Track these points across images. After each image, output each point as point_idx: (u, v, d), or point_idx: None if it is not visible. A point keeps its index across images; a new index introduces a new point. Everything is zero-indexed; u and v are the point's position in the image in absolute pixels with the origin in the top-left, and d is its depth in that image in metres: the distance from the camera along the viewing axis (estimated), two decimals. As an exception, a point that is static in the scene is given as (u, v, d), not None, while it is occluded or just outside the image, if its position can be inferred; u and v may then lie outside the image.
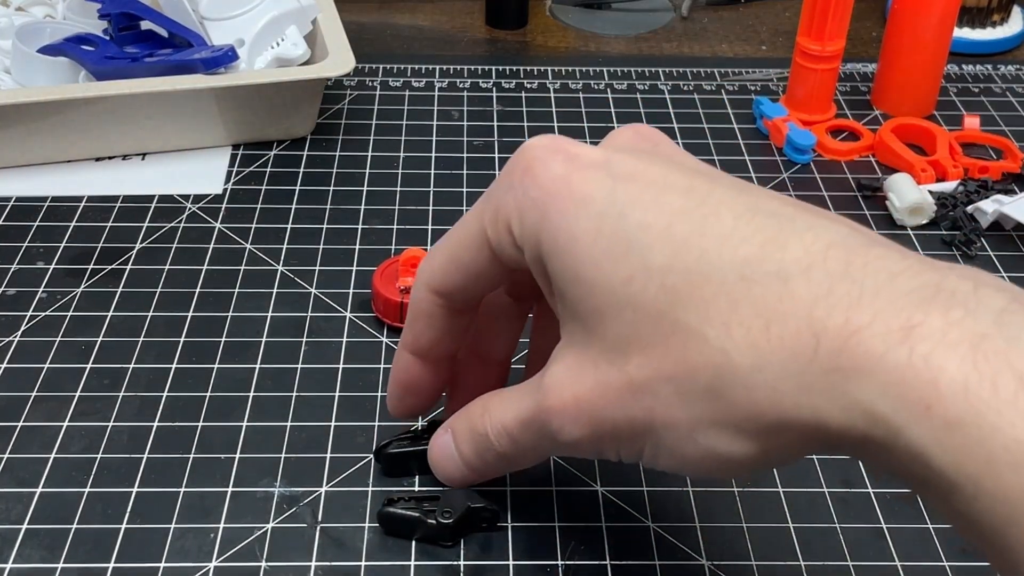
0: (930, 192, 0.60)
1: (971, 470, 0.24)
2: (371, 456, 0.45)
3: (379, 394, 0.48)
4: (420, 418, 0.46)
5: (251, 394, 0.48)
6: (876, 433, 0.26)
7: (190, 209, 0.59)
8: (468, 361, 0.42)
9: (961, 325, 0.25)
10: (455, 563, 0.41)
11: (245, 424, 0.46)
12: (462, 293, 0.37)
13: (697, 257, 0.29)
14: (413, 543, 0.41)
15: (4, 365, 0.49)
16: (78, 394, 0.47)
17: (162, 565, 0.40)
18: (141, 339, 0.50)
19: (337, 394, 0.48)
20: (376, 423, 0.46)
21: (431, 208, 0.60)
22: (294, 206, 0.60)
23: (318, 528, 0.42)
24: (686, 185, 0.31)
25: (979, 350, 0.25)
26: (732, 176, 0.33)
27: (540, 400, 0.33)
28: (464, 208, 0.60)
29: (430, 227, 0.58)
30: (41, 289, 0.53)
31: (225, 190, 0.61)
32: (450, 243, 0.37)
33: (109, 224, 0.58)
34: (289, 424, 0.46)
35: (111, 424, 0.46)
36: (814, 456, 0.45)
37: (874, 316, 0.26)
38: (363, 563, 0.40)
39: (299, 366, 0.49)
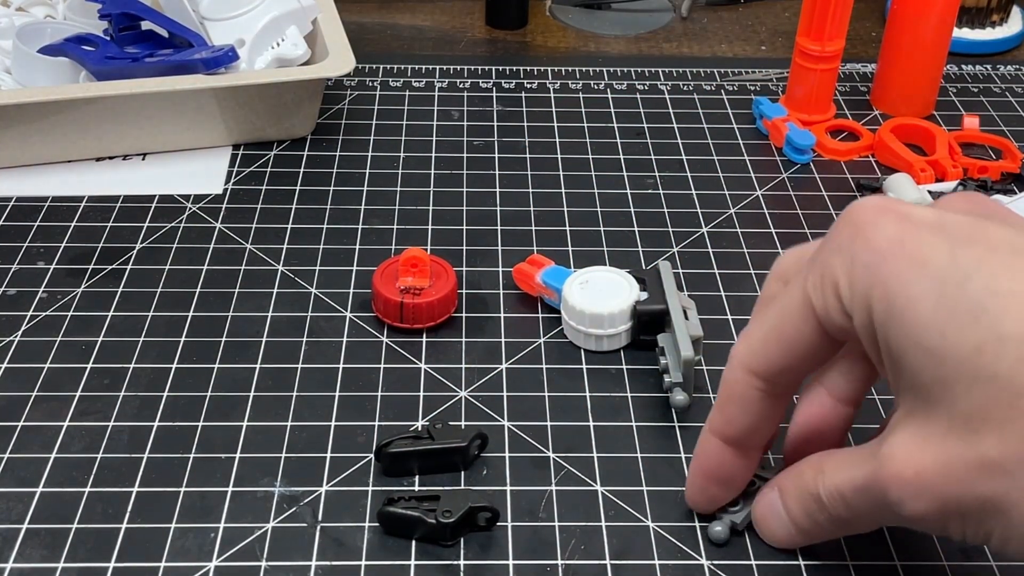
0: (929, 192, 0.60)
1: None
2: (371, 456, 0.45)
3: (379, 394, 0.48)
4: (420, 418, 0.46)
5: (251, 394, 0.48)
6: None
7: (190, 209, 0.59)
8: (815, 393, 0.39)
9: None
10: (455, 563, 0.41)
11: (245, 424, 0.46)
12: (783, 374, 0.35)
13: None
14: (413, 543, 0.41)
15: (4, 365, 0.49)
16: (78, 394, 0.47)
17: (162, 565, 0.40)
18: (141, 339, 0.50)
19: (337, 394, 0.48)
20: (376, 423, 0.46)
21: (431, 208, 0.60)
22: (294, 206, 0.60)
23: (318, 528, 0.42)
24: None
25: None
26: None
27: (878, 469, 0.31)
28: (464, 208, 0.60)
29: (430, 227, 0.58)
30: (41, 289, 0.53)
31: (225, 190, 0.61)
32: (769, 317, 0.34)
33: (109, 224, 0.58)
34: (289, 424, 0.46)
35: (111, 424, 0.46)
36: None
37: None
38: (363, 563, 0.41)
39: (299, 366, 0.49)
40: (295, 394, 0.48)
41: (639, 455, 0.45)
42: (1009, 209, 0.34)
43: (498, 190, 0.61)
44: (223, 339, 0.50)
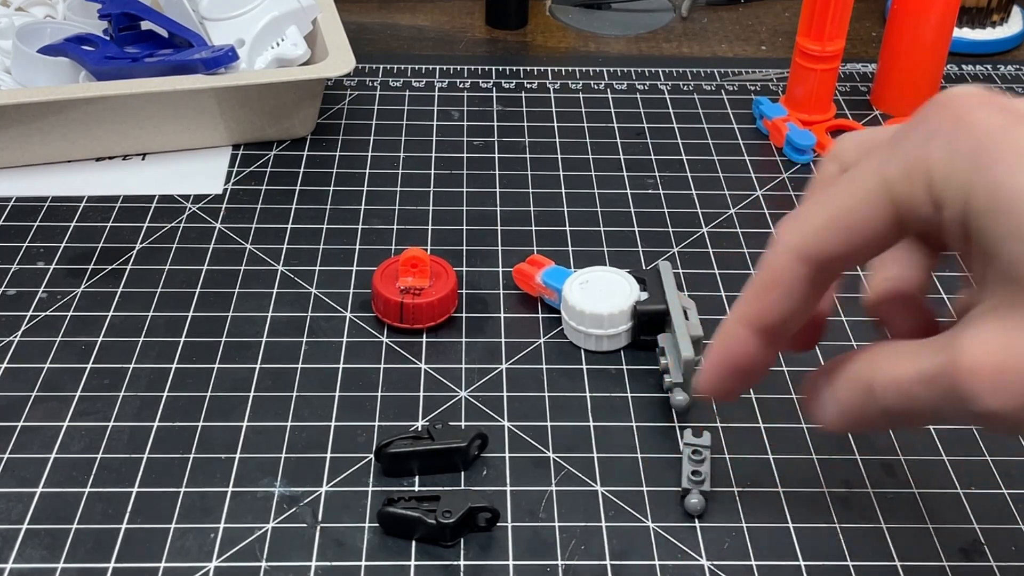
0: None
1: None
2: (371, 456, 0.45)
3: (379, 394, 0.48)
4: (420, 418, 0.46)
5: (251, 394, 0.48)
6: None
7: (190, 209, 0.59)
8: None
9: None
10: (455, 563, 0.41)
11: (245, 424, 0.46)
12: (838, 262, 0.33)
13: None
14: (413, 543, 0.41)
15: (4, 365, 0.49)
16: (78, 394, 0.47)
17: (162, 565, 0.40)
18: (141, 339, 0.50)
19: (337, 394, 0.48)
20: (376, 423, 0.46)
21: (431, 208, 0.60)
22: (294, 206, 0.60)
23: (318, 528, 0.42)
24: None
25: None
26: None
27: (951, 359, 0.29)
28: (464, 208, 0.60)
29: (430, 227, 0.58)
30: (41, 289, 0.53)
31: (225, 190, 0.61)
32: (832, 203, 0.32)
33: (109, 224, 0.58)
34: (289, 424, 0.46)
35: (111, 424, 0.46)
36: (814, 456, 0.45)
37: None
38: (363, 563, 0.41)
39: (299, 366, 0.49)
40: (295, 394, 0.48)
41: (639, 455, 0.45)
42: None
43: (498, 190, 0.61)
44: (223, 339, 0.50)
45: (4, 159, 0.61)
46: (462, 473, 0.44)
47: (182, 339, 0.50)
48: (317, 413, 0.47)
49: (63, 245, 0.56)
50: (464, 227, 0.58)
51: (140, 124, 0.62)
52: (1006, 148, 0.29)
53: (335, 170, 0.63)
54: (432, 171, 0.63)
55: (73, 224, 0.58)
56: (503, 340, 0.51)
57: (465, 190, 0.61)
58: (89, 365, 0.49)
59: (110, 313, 0.52)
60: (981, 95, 0.30)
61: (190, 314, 0.52)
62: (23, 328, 0.51)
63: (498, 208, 0.60)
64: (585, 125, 0.68)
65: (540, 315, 0.52)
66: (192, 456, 0.45)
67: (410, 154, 0.64)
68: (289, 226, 0.58)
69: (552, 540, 0.42)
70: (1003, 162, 0.28)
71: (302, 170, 0.63)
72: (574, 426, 0.46)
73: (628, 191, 0.62)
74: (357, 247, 0.57)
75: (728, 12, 0.84)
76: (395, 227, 0.58)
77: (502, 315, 0.52)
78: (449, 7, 0.83)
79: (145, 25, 0.66)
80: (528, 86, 0.72)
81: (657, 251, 0.57)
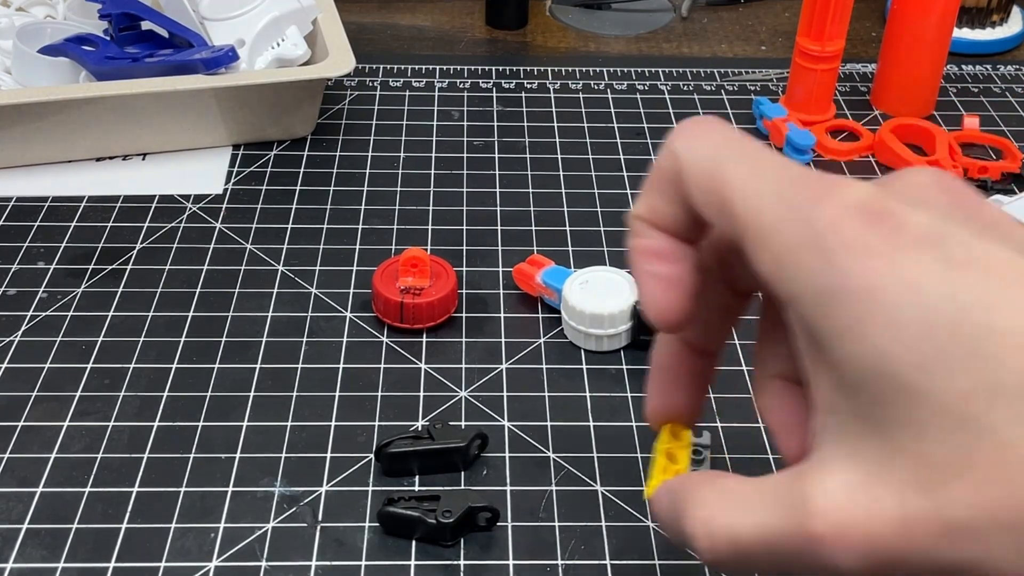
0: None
1: None
2: (371, 456, 0.45)
3: (379, 394, 0.48)
4: (420, 418, 0.46)
5: (251, 394, 0.48)
6: None
7: (190, 209, 0.59)
8: (681, 348, 0.34)
9: None
10: (455, 563, 0.41)
11: (245, 424, 0.46)
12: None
13: None
14: (413, 543, 0.41)
15: (4, 365, 0.49)
16: (78, 394, 0.47)
17: (162, 565, 0.40)
18: (141, 339, 0.50)
19: (337, 394, 0.48)
20: (376, 423, 0.46)
21: (431, 208, 0.60)
22: (294, 206, 0.60)
23: (318, 528, 0.42)
24: None
25: None
26: None
27: (801, 520, 0.26)
28: (464, 208, 0.60)
29: (430, 227, 0.58)
30: (41, 289, 0.53)
31: (225, 190, 0.61)
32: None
33: (109, 224, 0.58)
34: (289, 424, 0.46)
35: (111, 424, 0.46)
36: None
37: None
38: (363, 563, 0.41)
39: (299, 366, 0.49)
40: (295, 394, 0.48)
41: (639, 455, 0.45)
42: (990, 204, 0.29)
43: (498, 190, 0.61)
44: (223, 339, 0.50)
45: (4, 159, 0.61)
46: (462, 473, 0.44)
47: (182, 339, 0.50)
48: (317, 413, 0.47)
49: (63, 245, 0.56)
50: (464, 227, 0.58)
51: (140, 124, 0.62)
52: (889, 282, 0.25)
53: (335, 170, 0.63)
54: (432, 171, 0.63)
55: (73, 224, 0.58)
56: (503, 340, 0.51)
57: (465, 190, 0.61)
58: (89, 365, 0.49)
59: (110, 313, 0.52)
60: (870, 208, 0.26)
61: (190, 314, 0.52)
62: (23, 328, 0.51)
63: (498, 208, 0.60)
64: (585, 125, 0.68)
65: (540, 315, 0.52)
66: (192, 456, 0.45)
67: (410, 154, 0.64)
68: (289, 226, 0.58)
69: (552, 540, 0.42)
70: (882, 301, 0.25)
71: (302, 170, 0.63)
72: (574, 426, 0.46)
73: (628, 191, 0.62)
74: (357, 247, 0.57)
75: (728, 12, 0.84)
76: (395, 227, 0.58)
77: (502, 315, 0.52)
78: (449, 7, 0.83)
79: (145, 25, 0.66)
80: (528, 86, 0.72)
81: (657, 251, 0.57)
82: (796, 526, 0.26)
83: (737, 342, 0.51)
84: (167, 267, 0.55)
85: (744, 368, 0.49)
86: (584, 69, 0.74)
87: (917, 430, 0.24)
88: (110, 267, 0.55)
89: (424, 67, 0.73)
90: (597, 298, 0.50)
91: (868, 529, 0.25)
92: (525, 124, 0.68)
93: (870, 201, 0.26)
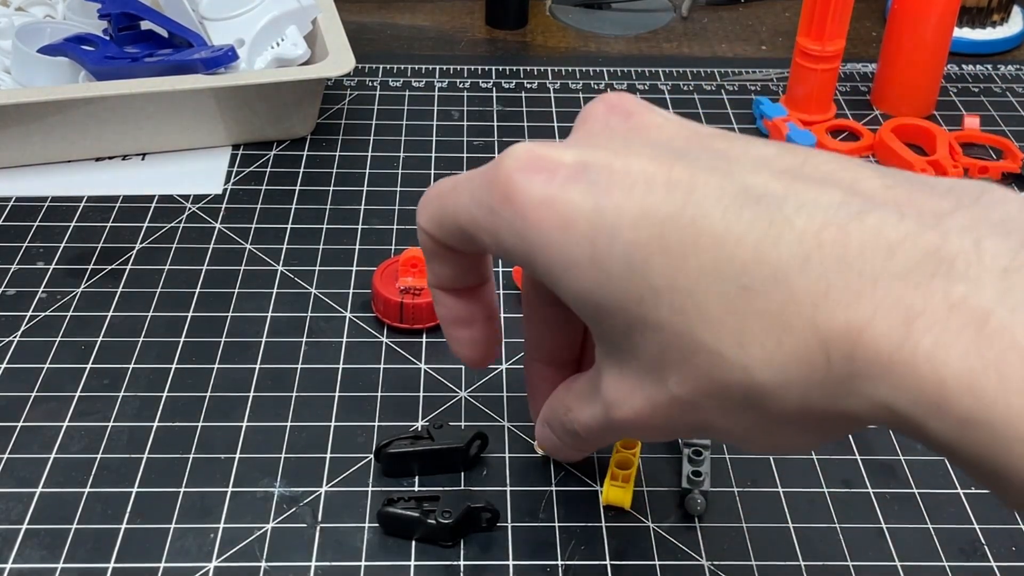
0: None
1: (993, 465, 0.24)
2: (371, 456, 0.45)
3: (379, 394, 0.48)
4: (420, 418, 0.46)
5: (251, 394, 0.48)
6: (905, 426, 0.26)
7: (190, 209, 0.59)
8: (540, 368, 0.41)
9: (963, 306, 0.24)
10: (455, 563, 0.41)
11: (245, 424, 0.46)
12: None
13: (696, 274, 0.28)
14: (413, 543, 0.41)
15: (4, 365, 0.49)
16: (78, 394, 0.47)
17: (162, 565, 0.40)
18: (141, 339, 0.50)
19: (337, 394, 0.48)
20: (376, 423, 0.46)
21: (431, 208, 0.60)
22: (294, 206, 0.60)
23: (318, 528, 0.42)
24: (666, 179, 0.29)
25: (983, 333, 0.24)
26: (710, 137, 0.31)
27: (607, 412, 0.33)
28: (464, 208, 0.60)
29: (430, 227, 0.58)
30: (41, 289, 0.53)
31: (225, 190, 0.61)
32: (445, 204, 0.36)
33: (109, 224, 0.58)
34: (289, 424, 0.46)
35: (111, 424, 0.46)
36: (814, 456, 0.45)
37: (874, 312, 0.25)
38: (363, 563, 0.40)
39: (299, 366, 0.49)
40: (295, 394, 0.48)
41: (639, 455, 0.45)
42: (649, 109, 0.33)
43: (498, 190, 0.61)
44: (223, 339, 0.50)
45: (4, 159, 0.61)
46: (462, 473, 0.44)
47: (182, 339, 0.50)
48: (317, 413, 0.47)
49: (63, 245, 0.56)
50: (464, 227, 0.58)
51: (140, 124, 0.62)
52: (549, 224, 0.30)
53: (335, 170, 0.63)
54: (432, 171, 0.63)
55: (73, 224, 0.58)
56: (503, 340, 0.51)
57: (465, 190, 0.61)
58: (89, 365, 0.49)
59: (110, 313, 0.52)
60: (527, 160, 0.31)
61: (190, 314, 0.52)
62: (23, 328, 0.51)
63: (498, 208, 0.60)
64: (585, 125, 0.68)
65: (540, 315, 0.52)
66: (192, 456, 0.45)
67: (410, 154, 0.64)
68: (289, 226, 0.58)
69: (552, 540, 0.42)
70: (548, 243, 0.30)
71: (302, 170, 0.63)
72: (574, 426, 0.46)
73: (628, 191, 0.61)
74: (357, 247, 0.57)
75: (728, 12, 0.84)
76: (395, 227, 0.58)
77: (502, 315, 0.52)
78: (449, 7, 0.83)
79: (145, 25, 0.66)
80: (528, 86, 0.72)
81: (657, 251, 0.57)
82: (605, 415, 0.33)
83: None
84: (166, 267, 0.55)
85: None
86: (584, 69, 0.74)
87: (628, 336, 0.30)
88: (109, 267, 0.55)
89: (424, 67, 0.73)
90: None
91: (634, 410, 0.32)
92: (525, 124, 0.68)
93: (527, 155, 0.31)
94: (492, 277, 0.39)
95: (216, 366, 0.49)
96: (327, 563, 0.40)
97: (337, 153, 0.64)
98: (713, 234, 0.28)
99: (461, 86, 0.72)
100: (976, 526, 0.43)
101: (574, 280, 0.30)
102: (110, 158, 0.63)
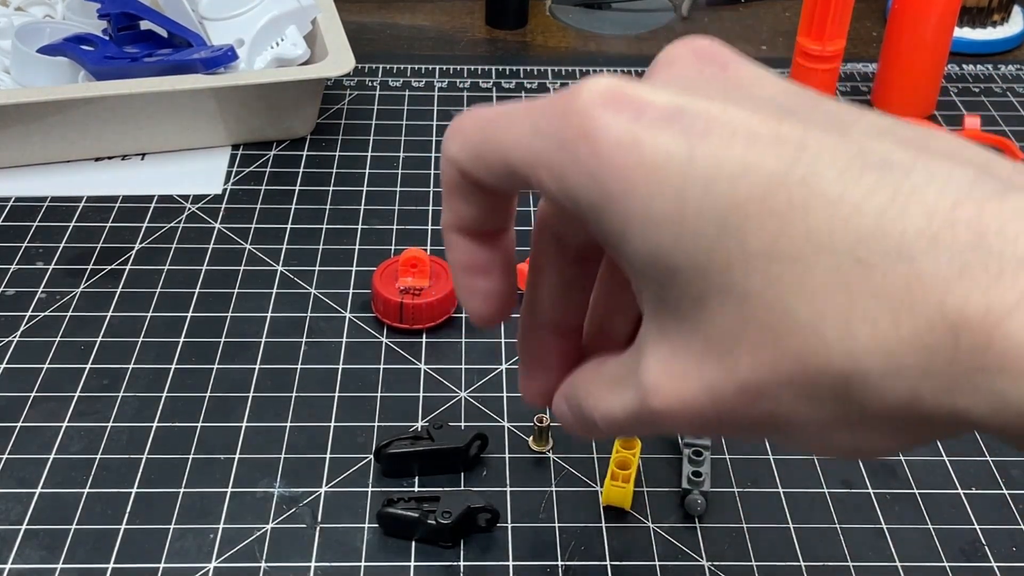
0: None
1: None
2: (371, 457, 0.44)
3: (379, 394, 0.48)
4: (420, 418, 0.46)
5: (251, 394, 0.48)
6: None
7: (190, 209, 0.59)
8: (541, 333, 0.36)
9: None
10: (455, 563, 0.41)
11: (245, 424, 0.46)
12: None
13: (802, 241, 0.25)
14: (413, 544, 0.41)
15: (4, 365, 0.49)
16: (78, 394, 0.47)
17: (162, 565, 0.40)
18: (141, 339, 0.50)
19: (337, 394, 0.48)
20: (376, 423, 0.46)
21: (431, 208, 0.60)
22: (294, 206, 0.60)
23: (318, 528, 0.42)
24: (774, 134, 0.26)
25: None
26: (818, 98, 0.28)
27: (644, 399, 0.29)
28: (464, 208, 0.60)
29: (430, 227, 0.58)
30: (41, 289, 0.53)
31: (225, 190, 0.61)
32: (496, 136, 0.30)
33: (109, 224, 0.58)
34: (289, 424, 0.46)
35: (111, 424, 0.46)
36: (814, 456, 0.45)
37: (1020, 298, 0.22)
38: (363, 563, 0.40)
39: (299, 366, 0.49)
40: (295, 395, 0.48)
41: (639, 456, 0.45)
42: (745, 62, 0.30)
43: (498, 190, 0.61)
44: (222, 340, 0.50)
45: (4, 159, 0.61)
46: (462, 474, 0.44)
47: (181, 339, 0.50)
48: (317, 414, 0.47)
49: (62, 245, 0.56)
50: (464, 227, 0.58)
51: (140, 124, 0.62)
52: (633, 169, 0.26)
53: (335, 170, 0.63)
54: (432, 171, 0.63)
55: (72, 224, 0.58)
56: (503, 340, 0.51)
57: (465, 190, 0.61)
58: (88, 365, 0.49)
59: (109, 313, 0.52)
60: (610, 96, 0.27)
61: (189, 314, 0.52)
62: (22, 328, 0.51)
63: (498, 208, 0.60)
64: (585, 125, 0.68)
65: (540, 315, 0.52)
66: (191, 457, 0.45)
67: (410, 154, 0.64)
68: (289, 226, 0.58)
69: (552, 540, 0.41)
70: (631, 190, 0.26)
71: (302, 170, 0.63)
72: (574, 426, 0.46)
73: (628, 191, 0.61)
74: (357, 247, 0.57)
75: (728, 12, 0.84)
76: (395, 227, 0.58)
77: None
78: (449, 7, 0.83)
79: (144, 25, 0.66)
80: (528, 86, 0.72)
81: (657, 251, 0.57)
82: (641, 403, 0.29)
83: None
84: (166, 267, 0.55)
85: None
86: (584, 69, 0.74)
87: (699, 306, 0.26)
88: (109, 267, 0.55)
89: (424, 67, 0.73)
90: (597, 298, 0.50)
91: (683, 397, 0.27)
92: (525, 124, 0.67)
93: (609, 90, 0.27)
94: (513, 225, 0.34)
95: (216, 366, 0.49)
96: (327, 563, 0.40)
97: (337, 153, 0.64)
98: (827, 197, 0.25)
99: (461, 86, 0.72)
100: (976, 526, 0.43)
101: (651, 236, 0.26)
102: (110, 158, 0.63)
